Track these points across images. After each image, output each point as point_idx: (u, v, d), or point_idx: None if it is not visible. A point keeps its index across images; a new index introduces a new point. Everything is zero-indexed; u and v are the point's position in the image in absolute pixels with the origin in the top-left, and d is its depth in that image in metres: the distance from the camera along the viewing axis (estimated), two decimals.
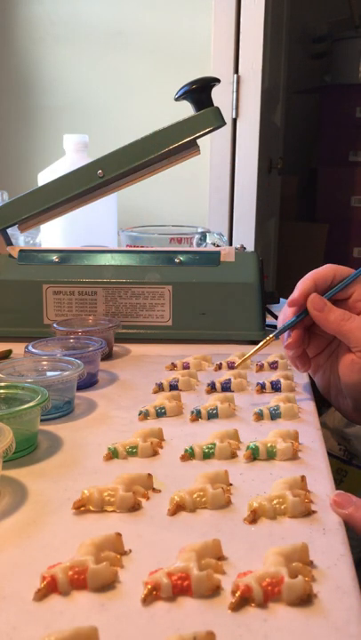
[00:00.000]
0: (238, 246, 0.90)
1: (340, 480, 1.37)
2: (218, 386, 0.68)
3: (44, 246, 1.21)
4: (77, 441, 0.56)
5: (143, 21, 1.61)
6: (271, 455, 0.52)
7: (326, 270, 0.63)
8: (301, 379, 0.72)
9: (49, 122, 1.69)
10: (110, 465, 0.51)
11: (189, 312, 0.86)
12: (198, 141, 0.83)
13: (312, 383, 0.71)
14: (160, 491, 0.47)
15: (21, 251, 0.90)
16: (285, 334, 0.65)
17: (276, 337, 0.65)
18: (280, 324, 0.66)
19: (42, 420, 0.57)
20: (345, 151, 2.80)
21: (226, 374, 0.70)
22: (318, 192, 2.88)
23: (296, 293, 0.63)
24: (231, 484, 0.48)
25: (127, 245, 1.10)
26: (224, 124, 0.83)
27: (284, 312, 0.65)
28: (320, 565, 0.38)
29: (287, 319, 0.64)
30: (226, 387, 0.68)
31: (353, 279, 0.63)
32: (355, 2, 2.71)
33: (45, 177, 1.20)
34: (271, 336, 0.65)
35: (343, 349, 0.62)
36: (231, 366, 0.75)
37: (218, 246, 1.04)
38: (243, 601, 0.34)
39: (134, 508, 0.44)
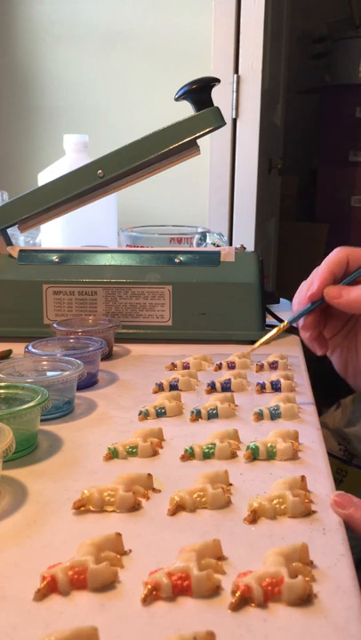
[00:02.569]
0: (238, 246, 0.90)
1: (340, 480, 1.37)
2: (218, 386, 0.68)
3: (44, 246, 1.21)
4: (77, 441, 0.56)
5: (143, 21, 1.61)
6: (271, 455, 0.52)
7: (340, 256, 0.62)
8: (301, 379, 0.72)
9: (49, 122, 1.69)
10: (110, 465, 0.51)
11: (189, 312, 0.86)
12: (198, 141, 0.83)
13: (313, 384, 0.71)
14: (160, 491, 0.47)
15: (21, 251, 0.90)
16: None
17: (291, 323, 0.64)
18: (294, 307, 0.64)
19: (42, 420, 0.57)
20: (345, 151, 2.79)
21: (226, 374, 0.70)
22: (318, 192, 2.88)
23: (315, 287, 0.61)
24: (231, 484, 0.48)
25: (127, 245, 1.10)
26: (224, 123, 0.83)
27: (299, 296, 0.63)
28: (320, 565, 0.38)
29: (302, 304, 0.63)
30: (226, 387, 0.67)
31: None
32: (355, 2, 2.71)
33: (45, 177, 1.20)
34: (286, 322, 0.64)
35: None
36: (231, 366, 0.75)
37: (218, 246, 1.04)
38: (243, 601, 0.34)
39: (134, 507, 0.44)
